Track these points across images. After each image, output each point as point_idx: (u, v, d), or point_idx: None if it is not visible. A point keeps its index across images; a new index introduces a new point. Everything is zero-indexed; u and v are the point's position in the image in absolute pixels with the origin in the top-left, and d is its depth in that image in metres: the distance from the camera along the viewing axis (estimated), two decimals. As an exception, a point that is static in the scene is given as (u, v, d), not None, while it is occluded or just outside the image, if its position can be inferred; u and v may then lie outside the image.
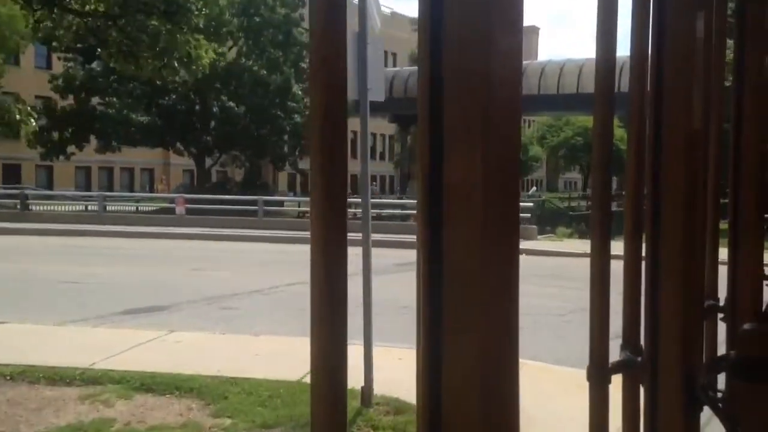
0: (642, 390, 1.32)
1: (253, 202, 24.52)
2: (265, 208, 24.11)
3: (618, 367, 1.30)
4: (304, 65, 34.04)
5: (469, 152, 0.73)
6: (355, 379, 5.02)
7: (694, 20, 1.35)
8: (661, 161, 1.34)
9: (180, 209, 24.49)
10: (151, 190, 41.24)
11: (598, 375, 1.25)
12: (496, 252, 0.74)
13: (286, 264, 14.28)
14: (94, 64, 32.01)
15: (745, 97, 1.70)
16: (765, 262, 1.92)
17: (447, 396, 0.75)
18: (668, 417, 1.21)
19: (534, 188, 53.71)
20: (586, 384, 1.23)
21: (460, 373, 0.72)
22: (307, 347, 0.73)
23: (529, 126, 57.50)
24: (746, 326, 1.38)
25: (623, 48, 1.38)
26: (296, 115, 33.93)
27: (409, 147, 41.72)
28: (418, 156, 0.76)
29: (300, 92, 33.57)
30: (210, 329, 8.52)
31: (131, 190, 44.88)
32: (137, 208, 29.56)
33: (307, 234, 0.72)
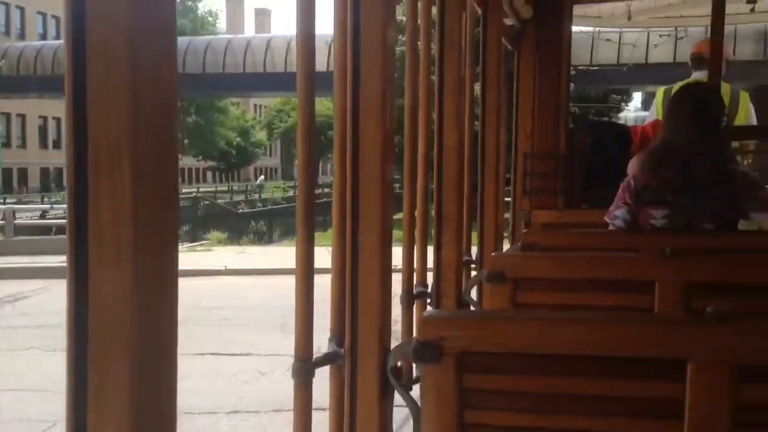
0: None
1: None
2: (18, 222, 15.99)
3: (323, 360, 1.34)
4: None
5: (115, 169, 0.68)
6: None
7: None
8: (360, 151, 1.35)
9: None
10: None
11: (303, 369, 1.27)
12: (151, 264, 0.70)
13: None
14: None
15: (445, 98, 1.84)
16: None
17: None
18: (365, 401, 1.27)
19: (262, 177, 50.07)
20: None
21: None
22: None
23: (256, 110, 54.26)
24: (425, 313, 1.51)
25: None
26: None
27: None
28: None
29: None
30: None
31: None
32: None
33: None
